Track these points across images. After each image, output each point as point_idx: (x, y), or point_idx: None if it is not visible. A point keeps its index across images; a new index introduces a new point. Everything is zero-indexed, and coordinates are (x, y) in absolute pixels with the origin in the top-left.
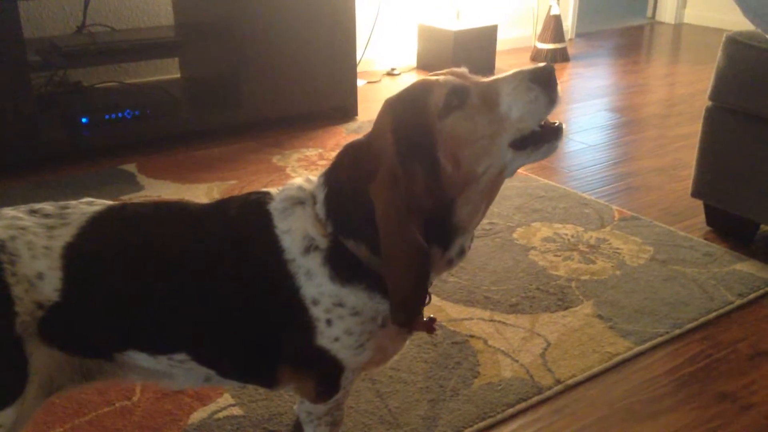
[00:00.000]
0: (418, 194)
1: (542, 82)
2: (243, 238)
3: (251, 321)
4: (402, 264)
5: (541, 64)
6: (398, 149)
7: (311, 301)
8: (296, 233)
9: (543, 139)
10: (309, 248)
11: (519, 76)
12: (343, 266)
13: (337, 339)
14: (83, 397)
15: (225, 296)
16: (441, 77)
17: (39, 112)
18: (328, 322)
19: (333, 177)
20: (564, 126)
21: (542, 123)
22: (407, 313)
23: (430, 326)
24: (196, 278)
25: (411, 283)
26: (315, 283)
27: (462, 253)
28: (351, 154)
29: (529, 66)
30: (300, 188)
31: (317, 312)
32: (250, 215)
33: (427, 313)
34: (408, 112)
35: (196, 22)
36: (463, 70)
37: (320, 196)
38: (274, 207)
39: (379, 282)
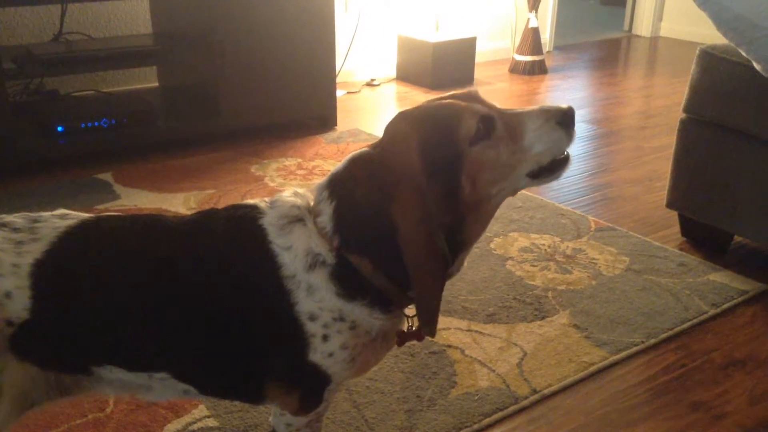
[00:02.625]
0: (439, 212)
1: (566, 125)
2: (235, 255)
3: (241, 341)
4: (435, 277)
5: (564, 106)
6: (425, 168)
7: (308, 316)
8: (298, 250)
9: (554, 168)
10: (314, 264)
11: (545, 115)
12: (349, 281)
13: (331, 354)
14: (56, 408)
15: (213, 316)
16: (467, 104)
17: (14, 121)
18: (325, 337)
19: (343, 190)
20: (570, 156)
21: None
22: (435, 324)
23: (419, 334)
24: (181, 297)
25: (440, 294)
26: (316, 298)
27: (461, 266)
28: (363, 168)
29: (553, 105)
30: (294, 205)
31: (314, 328)
32: (242, 231)
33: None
34: (438, 135)
35: (174, 30)
36: (476, 90)
37: (326, 210)
38: (268, 222)
39: (379, 297)
